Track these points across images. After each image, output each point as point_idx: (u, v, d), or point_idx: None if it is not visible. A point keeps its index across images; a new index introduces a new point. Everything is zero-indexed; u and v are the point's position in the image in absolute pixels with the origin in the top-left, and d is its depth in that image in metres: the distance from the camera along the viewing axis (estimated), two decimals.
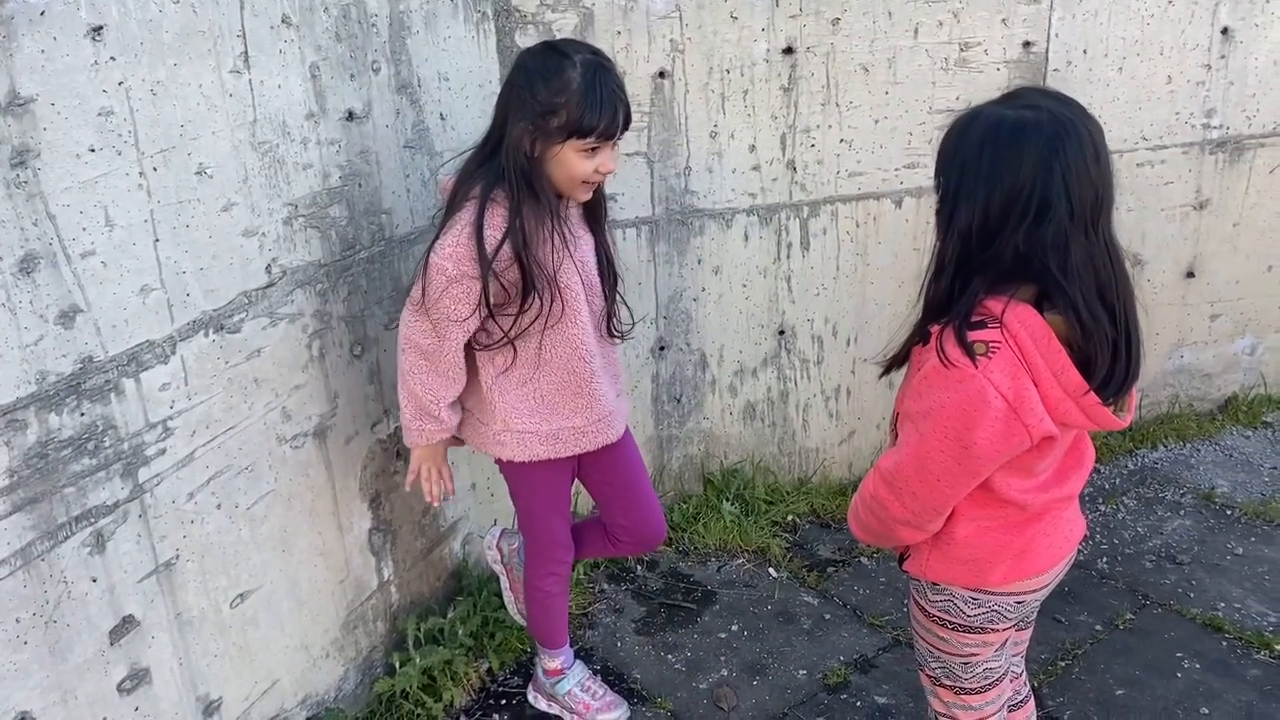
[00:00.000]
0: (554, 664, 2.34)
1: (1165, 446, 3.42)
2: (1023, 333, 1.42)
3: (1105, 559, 2.87)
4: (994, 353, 1.42)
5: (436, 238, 1.88)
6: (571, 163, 1.84)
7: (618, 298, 2.08)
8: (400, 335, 1.94)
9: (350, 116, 2.05)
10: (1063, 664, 2.48)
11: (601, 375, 2.01)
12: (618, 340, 2.12)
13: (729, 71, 2.70)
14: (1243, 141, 3.27)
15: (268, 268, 1.90)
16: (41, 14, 1.46)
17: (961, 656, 1.70)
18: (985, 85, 2.91)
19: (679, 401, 2.99)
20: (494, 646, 2.51)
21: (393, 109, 2.17)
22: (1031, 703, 1.90)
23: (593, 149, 1.84)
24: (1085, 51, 2.99)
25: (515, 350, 1.92)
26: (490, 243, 1.82)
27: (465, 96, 2.38)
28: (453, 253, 1.83)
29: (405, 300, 1.93)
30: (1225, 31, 3.11)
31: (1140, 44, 3.04)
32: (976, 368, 1.42)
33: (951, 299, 1.49)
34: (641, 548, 2.32)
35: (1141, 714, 2.32)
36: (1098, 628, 2.60)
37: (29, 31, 1.44)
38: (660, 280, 2.84)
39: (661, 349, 2.91)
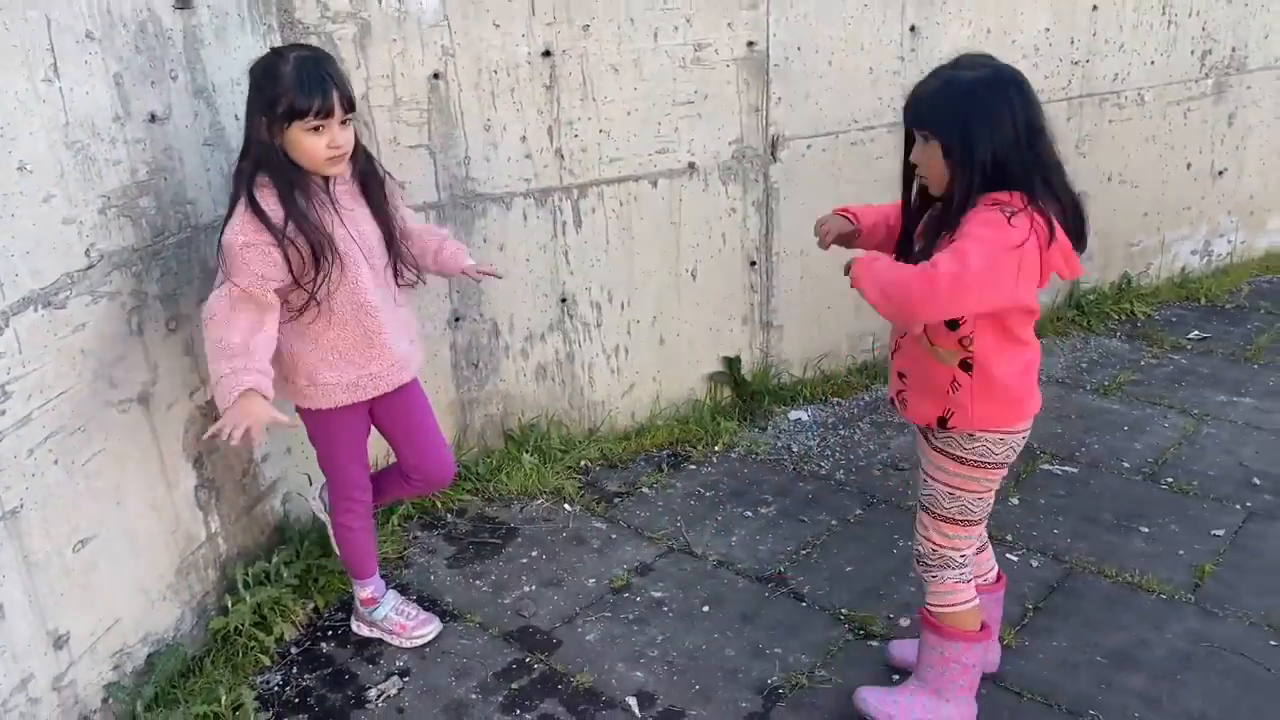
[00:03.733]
0: (366, 593, 2.67)
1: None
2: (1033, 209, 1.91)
3: (842, 471, 3.43)
4: (1019, 215, 1.89)
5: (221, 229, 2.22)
6: (303, 142, 2.16)
7: (402, 251, 2.43)
8: (204, 313, 2.20)
9: (153, 118, 2.33)
10: (804, 552, 2.99)
11: (390, 326, 2.37)
12: (407, 287, 2.47)
13: (496, 72, 3.10)
14: None
15: (87, 251, 2.17)
16: None
17: (980, 492, 2.16)
18: (718, 80, 3.42)
19: (476, 367, 3.37)
20: (318, 588, 2.82)
21: (191, 111, 2.46)
22: (989, 546, 2.41)
23: (316, 127, 2.15)
24: (799, 49, 3.55)
25: (305, 311, 2.25)
26: (275, 216, 2.15)
27: None
28: (240, 226, 2.16)
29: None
30: (913, 29, 3.73)
31: (845, 41, 3.62)
32: (1011, 223, 1.88)
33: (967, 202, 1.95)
34: (430, 485, 2.67)
35: (864, 582, 2.86)
36: (833, 523, 3.14)
37: None
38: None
39: (457, 320, 3.28)
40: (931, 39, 3.78)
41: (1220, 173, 4.75)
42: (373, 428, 2.56)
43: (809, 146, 3.67)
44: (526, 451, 3.44)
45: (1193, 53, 4.45)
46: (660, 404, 3.69)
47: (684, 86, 3.38)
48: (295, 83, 2.13)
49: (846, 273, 2.07)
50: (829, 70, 3.63)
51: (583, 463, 3.50)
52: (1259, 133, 4.79)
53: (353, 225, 2.30)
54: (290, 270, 2.19)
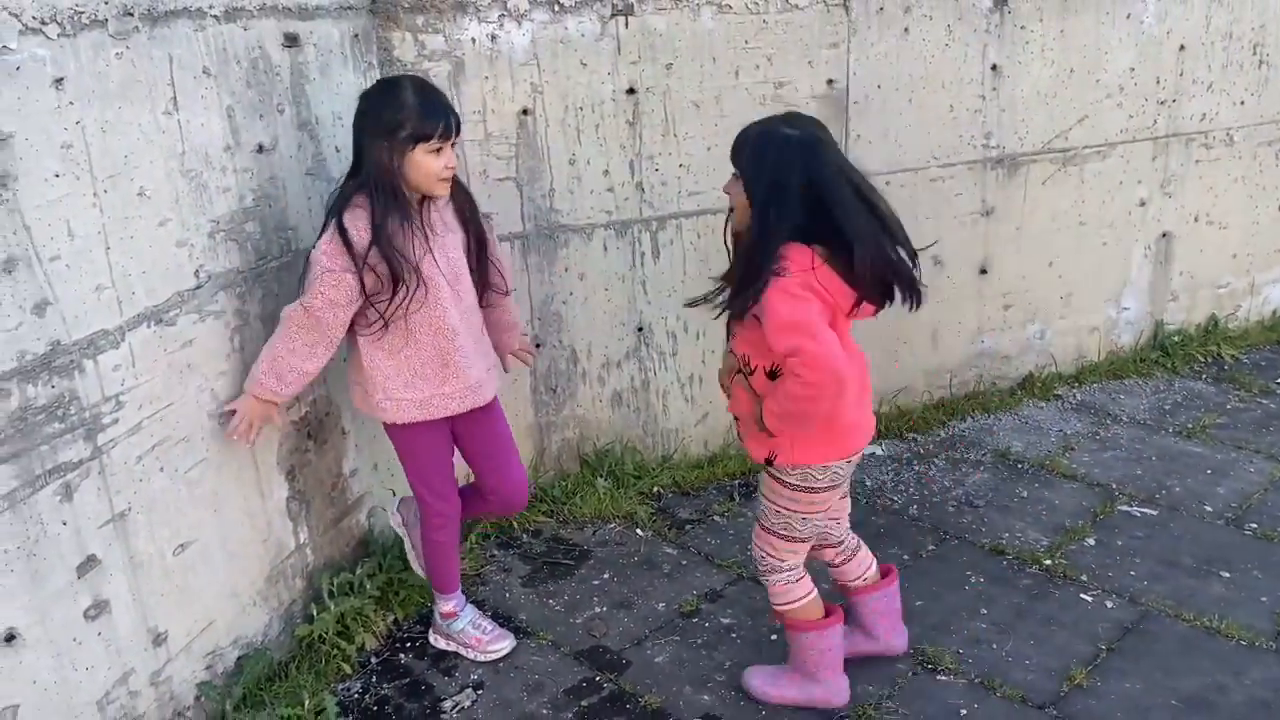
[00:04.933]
0: (448, 606, 2.76)
1: (972, 418, 4.03)
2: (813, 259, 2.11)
3: (915, 506, 3.43)
4: (789, 268, 2.11)
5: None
6: (424, 164, 2.32)
7: (493, 266, 2.59)
8: (282, 314, 2.39)
9: (260, 149, 2.49)
10: None
11: (468, 350, 2.48)
12: (503, 293, 2.65)
13: (582, 109, 3.21)
14: (1017, 158, 3.92)
15: (196, 272, 2.31)
16: (17, 69, 1.86)
17: (804, 514, 2.35)
18: None
19: (554, 392, 3.46)
20: (399, 601, 2.92)
21: (295, 143, 2.61)
22: (864, 549, 2.62)
23: (438, 149, 2.32)
24: (879, 87, 3.60)
25: (387, 329, 2.38)
26: (358, 242, 2.29)
27: None
28: (326, 249, 2.31)
29: None
30: (994, 68, 3.76)
31: (925, 79, 3.66)
32: (785, 277, 2.11)
33: (765, 256, 2.13)
34: (507, 507, 2.77)
35: (934, 616, 2.86)
36: (905, 558, 3.14)
37: (6, 82, 1.84)
38: (533, 287, 3.32)
39: (537, 345, 3.38)
40: (1013, 78, 3.80)
41: None
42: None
43: (888, 183, 3.70)
44: (600, 476, 3.51)
45: None
46: (733, 434, 3.73)
47: None
48: (420, 108, 2.29)
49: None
50: (908, 108, 3.67)
51: (655, 489, 3.56)
52: None
53: (441, 251, 2.41)
54: (364, 292, 2.32)
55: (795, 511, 2.35)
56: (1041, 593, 2.94)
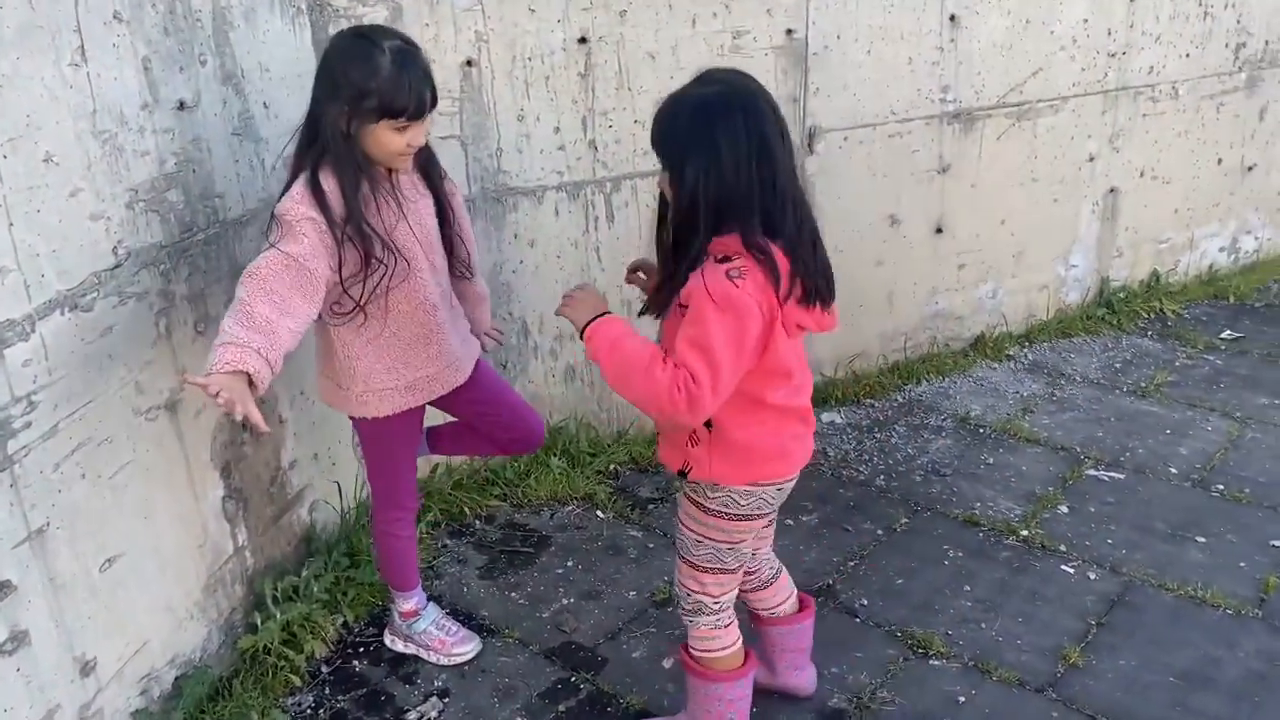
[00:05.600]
0: (408, 605, 2.54)
1: (928, 381, 3.93)
2: (765, 258, 1.77)
3: (882, 477, 3.32)
4: (746, 275, 1.76)
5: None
6: (385, 140, 2.01)
7: (458, 239, 2.30)
8: (245, 271, 1.93)
9: (181, 106, 2.18)
10: (852, 564, 2.88)
11: (447, 325, 2.24)
12: (468, 276, 2.36)
13: (531, 59, 2.96)
14: (974, 113, 3.79)
15: (114, 249, 2.01)
16: None
17: (730, 542, 2.03)
18: (756, 69, 3.26)
19: (505, 368, 3.23)
20: (348, 602, 2.67)
21: (220, 99, 2.31)
22: (785, 576, 2.29)
23: (403, 127, 2.01)
24: (839, 37, 3.42)
25: (365, 314, 2.10)
26: (336, 208, 1.99)
27: (286, 86, 2.52)
28: (301, 197, 1.98)
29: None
30: (953, 18, 3.61)
31: (884, 29, 3.49)
32: (738, 287, 1.75)
33: (690, 247, 1.80)
34: (529, 447, 2.60)
35: (917, 595, 2.75)
36: (879, 532, 3.03)
37: None
38: (481, 255, 3.06)
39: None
40: (971, 28, 3.66)
41: (1250, 168, 4.66)
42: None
43: (845, 139, 3.54)
44: (555, 455, 3.30)
45: (1227, 45, 4.35)
46: None
47: None
48: (394, 80, 1.96)
49: (559, 313, 1.88)
50: (867, 60, 3.50)
51: (612, 466, 3.37)
52: None
53: (415, 219, 2.15)
54: (340, 267, 2.04)
55: (718, 541, 2.02)
56: (1023, 565, 2.85)
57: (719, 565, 2.05)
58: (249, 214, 2.42)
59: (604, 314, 1.90)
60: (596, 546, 3.00)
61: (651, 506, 3.19)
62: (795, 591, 2.31)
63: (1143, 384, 3.89)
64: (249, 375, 1.79)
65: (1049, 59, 3.88)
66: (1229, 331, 4.32)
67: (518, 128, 2.99)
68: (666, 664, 2.51)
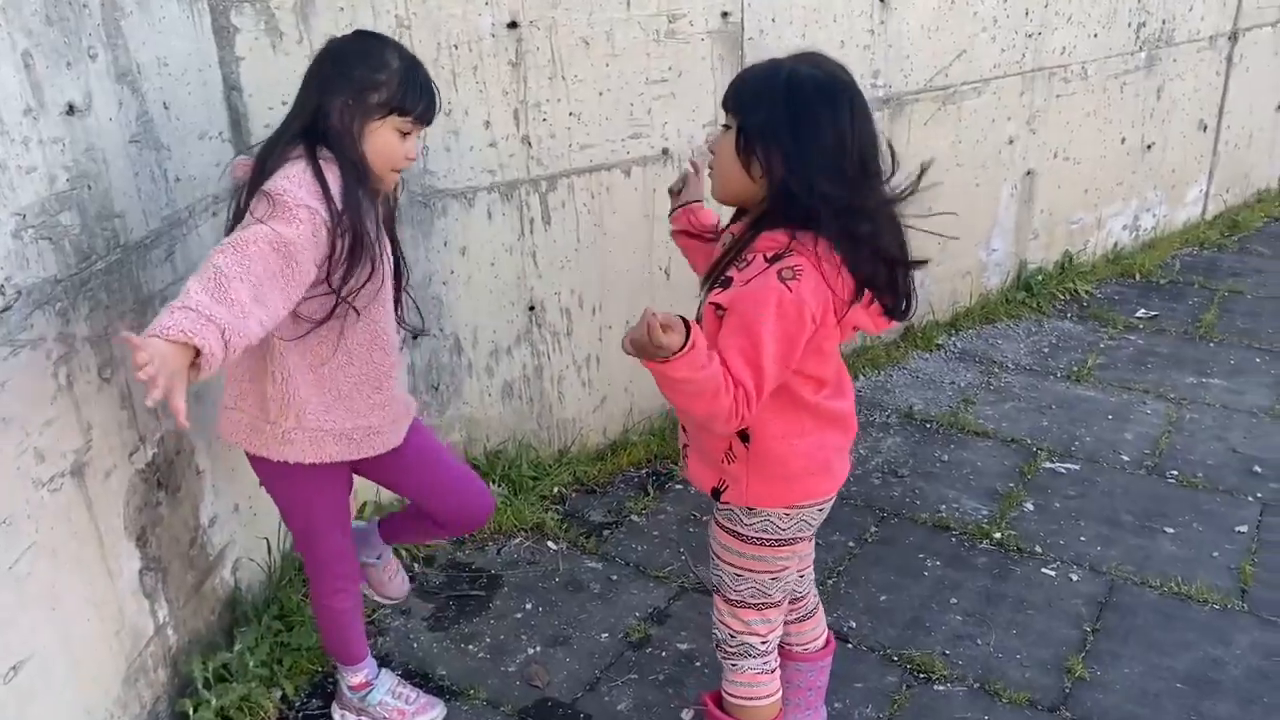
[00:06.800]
0: (358, 678, 2.22)
1: (865, 376, 3.81)
2: (821, 259, 1.60)
3: None
4: (800, 275, 1.59)
5: (242, 203, 1.77)
6: (390, 142, 1.80)
7: (406, 296, 2.06)
8: (226, 242, 1.62)
9: (71, 110, 1.80)
10: (830, 581, 2.71)
11: (398, 374, 1.96)
12: (404, 331, 2.06)
13: (457, 47, 2.65)
14: (903, 98, 3.67)
15: (1, 288, 1.64)
16: None
17: (773, 572, 1.84)
18: (692, 55, 3.06)
19: (437, 390, 2.92)
20: (285, 672, 2.34)
21: (115, 100, 1.93)
22: (820, 611, 2.10)
23: (406, 132, 1.81)
24: (774, 20, 3.22)
25: (322, 325, 1.79)
26: (337, 195, 1.72)
27: (186, 83, 2.16)
28: (300, 180, 1.70)
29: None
30: (883, 0, 3.47)
31: (817, 11, 3.32)
32: (791, 291, 1.58)
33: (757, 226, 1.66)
34: (472, 525, 2.24)
35: (904, 613, 2.60)
36: (850, 544, 2.87)
37: None
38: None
39: (415, 337, 2.82)
40: (900, 10, 3.53)
41: (1149, 146, 4.73)
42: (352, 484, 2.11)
43: None
44: (494, 482, 3.01)
45: (1129, 25, 4.37)
46: (634, 417, 3.33)
47: (657, 63, 3.00)
48: (407, 77, 1.80)
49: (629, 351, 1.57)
50: (801, 44, 3.28)
51: (557, 490, 3.11)
52: (1182, 105, 4.79)
53: (384, 248, 1.85)
54: (328, 264, 1.73)
55: (759, 572, 1.83)
56: (1003, 571, 2.74)
57: (764, 599, 1.85)
58: (153, 235, 2.05)
59: (680, 347, 1.55)
60: (554, 583, 2.74)
61: (607, 532, 2.94)
62: (827, 631, 2.11)
63: (1074, 368, 3.87)
64: (196, 352, 1.44)
65: (972, 40, 3.79)
66: (1143, 311, 4.36)
67: (445, 123, 2.68)
68: (687, 716, 2.28)
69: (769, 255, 1.62)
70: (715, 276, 1.72)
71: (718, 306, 1.66)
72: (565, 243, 3.00)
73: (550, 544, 2.89)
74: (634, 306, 3.20)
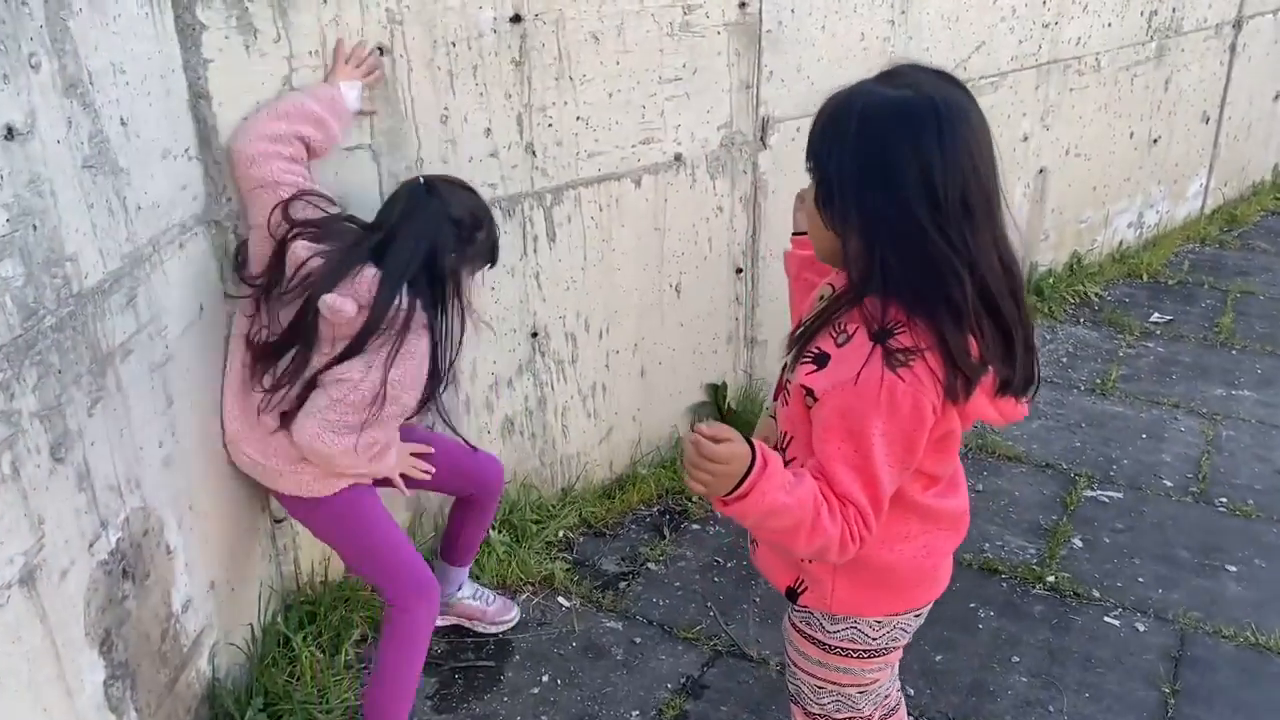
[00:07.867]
0: None
1: None
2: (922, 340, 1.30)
3: None
4: (915, 361, 1.29)
5: (354, 350, 1.88)
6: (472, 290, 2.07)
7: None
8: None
9: (10, 134, 1.45)
10: None
11: None
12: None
13: (455, 45, 2.31)
14: None
15: None
16: None
17: (861, 685, 1.59)
18: (708, 50, 2.76)
19: (432, 428, 2.59)
20: None
21: (63, 117, 1.57)
22: (903, 710, 1.81)
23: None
24: (793, 11, 2.92)
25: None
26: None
27: (147, 93, 1.80)
28: (414, 383, 1.93)
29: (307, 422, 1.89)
30: None
31: (838, 1, 3.03)
32: (904, 381, 1.29)
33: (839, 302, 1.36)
34: (496, 489, 2.37)
35: (964, 675, 2.35)
36: None
37: None
38: None
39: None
40: (920, 1, 3.25)
41: (1155, 140, 4.53)
42: None
43: (799, 129, 3.07)
44: (495, 529, 2.70)
45: (1142, 13, 4.15)
46: (642, 448, 3.03)
47: (671, 60, 2.69)
48: (495, 232, 2.10)
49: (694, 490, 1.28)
50: (821, 37, 3.03)
51: (563, 534, 2.80)
52: (1187, 97, 4.60)
53: None
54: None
55: (845, 685, 1.57)
56: (1063, 622, 2.51)
57: (852, 713, 1.59)
58: (111, 278, 1.70)
59: (747, 474, 1.25)
60: (571, 648, 2.44)
61: (623, 584, 2.65)
62: None
63: (1097, 380, 3.65)
64: None
65: (991, 31, 3.54)
66: (1157, 315, 4.16)
67: (441, 132, 2.35)
68: None
69: (873, 330, 1.30)
70: (804, 340, 1.42)
71: (808, 392, 1.35)
72: (571, 261, 2.68)
73: (561, 600, 2.59)
74: (643, 328, 2.90)
